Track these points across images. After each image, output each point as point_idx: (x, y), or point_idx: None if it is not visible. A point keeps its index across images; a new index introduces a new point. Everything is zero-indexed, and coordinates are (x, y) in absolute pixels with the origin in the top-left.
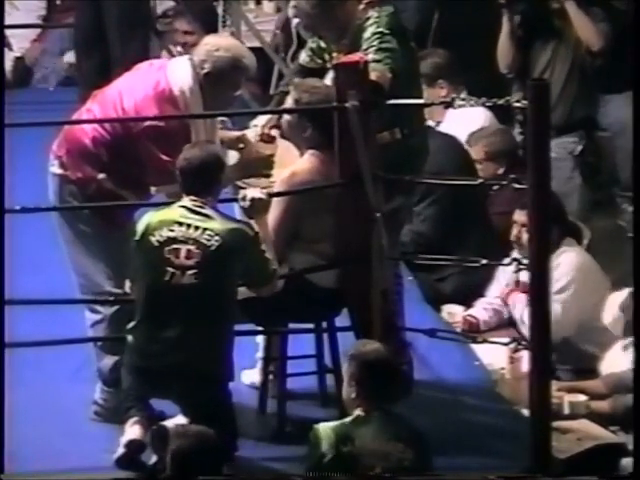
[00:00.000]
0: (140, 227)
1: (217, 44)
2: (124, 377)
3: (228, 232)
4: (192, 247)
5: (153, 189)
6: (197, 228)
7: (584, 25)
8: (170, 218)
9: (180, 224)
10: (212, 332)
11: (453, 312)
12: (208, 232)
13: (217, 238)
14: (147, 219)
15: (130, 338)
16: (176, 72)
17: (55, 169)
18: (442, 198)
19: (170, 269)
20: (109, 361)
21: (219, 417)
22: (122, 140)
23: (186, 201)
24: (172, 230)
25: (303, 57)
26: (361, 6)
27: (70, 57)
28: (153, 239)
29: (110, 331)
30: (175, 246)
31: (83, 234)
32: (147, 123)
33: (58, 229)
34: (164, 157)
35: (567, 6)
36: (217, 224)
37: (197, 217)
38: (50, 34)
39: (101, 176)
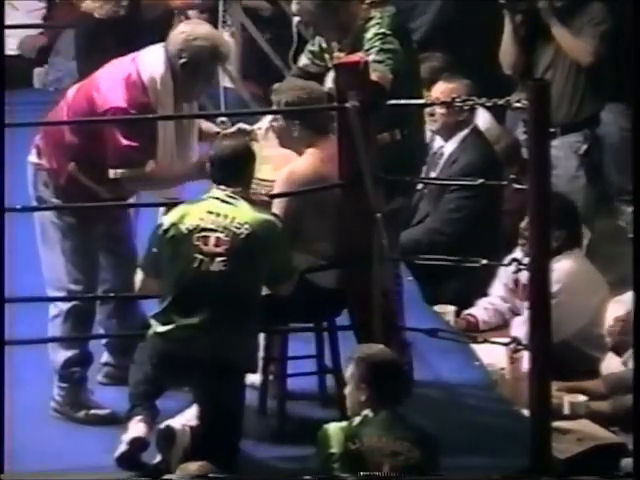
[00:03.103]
0: (169, 218)
1: (195, 33)
2: (135, 372)
3: (258, 221)
4: (221, 235)
5: (111, 172)
6: (227, 216)
7: (570, 43)
8: (200, 208)
9: (210, 213)
10: (239, 319)
11: (444, 312)
12: (238, 220)
13: (247, 226)
14: (178, 209)
15: (154, 325)
16: (148, 59)
17: (32, 157)
18: (478, 193)
19: (199, 256)
20: (62, 356)
21: (231, 410)
22: (90, 125)
23: (217, 192)
24: (202, 218)
25: (303, 60)
26: (364, 6)
27: None
28: (183, 227)
29: (65, 327)
30: (204, 234)
31: (52, 226)
32: (111, 104)
33: (35, 217)
34: (124, 140)
35: (552, 26)
36: (247, 213)
37: (227, 206)
38: (61, 36)
39: (71, 166)
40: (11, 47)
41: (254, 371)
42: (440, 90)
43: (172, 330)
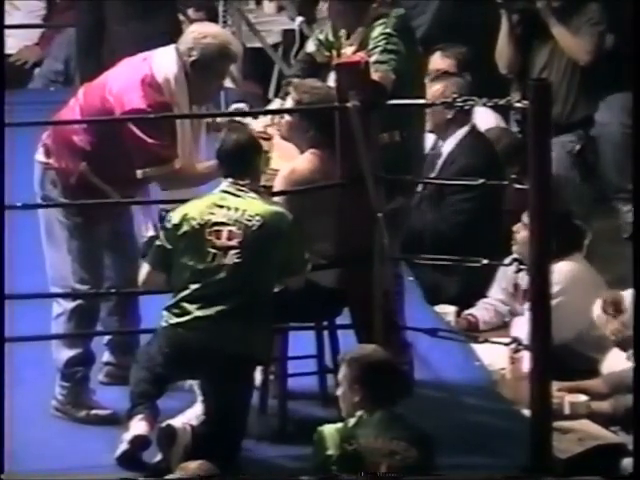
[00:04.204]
0: (180, 214)
1: (204, 32)
2: (137, 370)
3: (269, 213)
4: (233, 228)
5: (139, 173)
6: (237, 209)
7: (569, 42)
8: (210, 202)
9: (220, 207)
10: (254, 311)
11: (446, 312)
12: (249, 213)
13: (258, 218)
14: (188, 205)
15: (166, 317)
16: (161, 60)
17: (39, 156)
18: (477, 195)
19: (212, 250)
20: (65, 355)
21: (238, 405)
22: (105, 126)
23: (226, 185)
24: (213, 213)
25: (310, 46)
26: (374, 5)
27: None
28: (194, 222)
29: (69, 326)
30: (217, 228)
31: (58, 225)
32: (130, 106)
33: (40, 216)
34: (149, 139)
35: (550, 25)
36: (258, 205)
37: (237, 199)
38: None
39: (82, 166)
40: (11, 47)
41: (267, 364)
42: (431, 91)
43: (189, 321)
